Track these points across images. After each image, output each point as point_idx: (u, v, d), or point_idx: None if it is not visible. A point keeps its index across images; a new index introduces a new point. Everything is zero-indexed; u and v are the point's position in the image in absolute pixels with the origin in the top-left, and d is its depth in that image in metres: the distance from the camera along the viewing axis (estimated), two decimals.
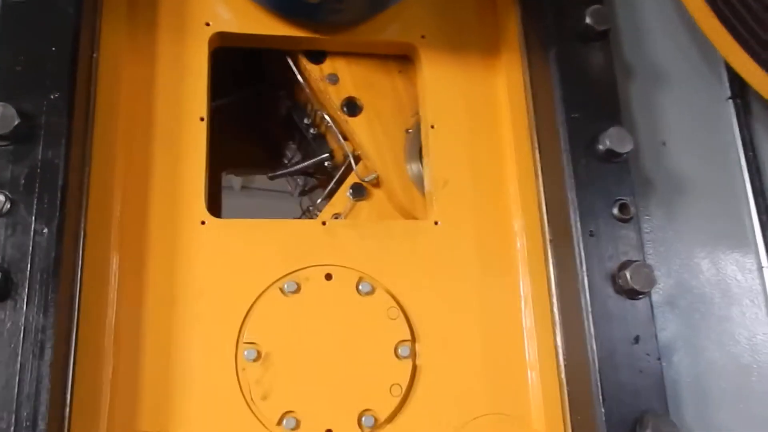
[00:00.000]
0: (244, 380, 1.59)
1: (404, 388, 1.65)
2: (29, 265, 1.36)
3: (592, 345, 1.54)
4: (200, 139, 1.73)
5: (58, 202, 1.40)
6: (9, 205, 1.38)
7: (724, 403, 1.73)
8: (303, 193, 2.39)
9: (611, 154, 1.67)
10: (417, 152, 1.94)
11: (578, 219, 1.62)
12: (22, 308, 1.34)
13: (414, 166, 1.95)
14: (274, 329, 1.63)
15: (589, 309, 1.56)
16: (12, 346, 1.32)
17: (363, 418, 1.61)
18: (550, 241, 1.73)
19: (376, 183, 1.95)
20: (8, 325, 1.33)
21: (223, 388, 1.59)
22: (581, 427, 1.59)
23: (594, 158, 1.68)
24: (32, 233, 1.37)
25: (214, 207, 2.12)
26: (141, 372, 1.56)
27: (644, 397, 1.53)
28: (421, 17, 1.98)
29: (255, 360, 1.60)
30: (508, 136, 1.92)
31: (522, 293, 1.79)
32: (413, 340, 1.70)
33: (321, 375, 1.62)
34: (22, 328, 1.33)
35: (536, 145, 1.82)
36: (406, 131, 1.97)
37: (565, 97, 1.71)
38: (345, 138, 1.98)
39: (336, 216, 1.91)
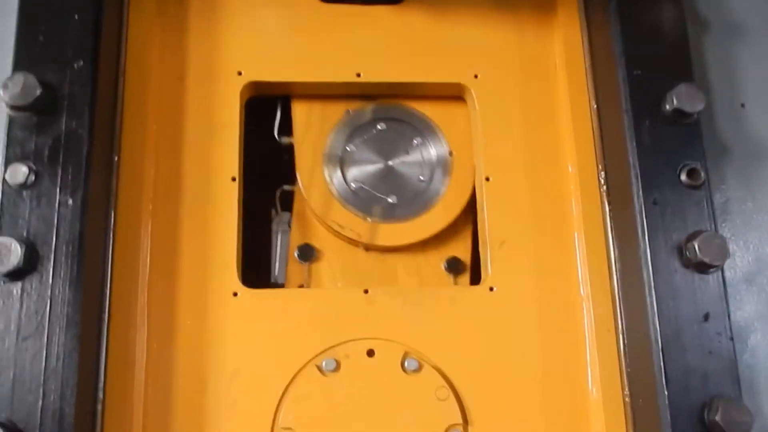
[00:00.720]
0: None
1: None
2: (54, 238, 1.33)
3: (655, 323, 1.39)
4: (233, 210, 1.61)
5: (83, 174, 1.36)
6: (33, 177, 1.35)
7: None
8: None
9: (680, 114, 1.50)
10: (342, 147, 1.78)
11: (640, 186, 1.47)
12: (48, 281, 1.31)
13: (335, 171, 1.77)
14: (312, 412, 1.50)
15: (652, 284, 1.41)
16: (38, 319, 1.30)
17: None
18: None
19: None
20: (34, 297, 1.30)
21: None
22: (644, 411, 1.45)
23: (660, 119, 1.52)
24: (57, 205, 1.34)
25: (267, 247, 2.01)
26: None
27: (714, 381, 1.37)
28: (473, 53, 1.78)
29: None
30: (575, 181, 1.69)
31: (588, 369, 1.58)
32: (465, 423, 1.53)
33: None
34: (49, 301, 1.30)
35: (595, 110, 1.67)
36: (346, 111, 1.80)
37: (626, 51, 1.55)
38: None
39: (301, 286, 1.74)
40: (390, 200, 1.75)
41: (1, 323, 1.28)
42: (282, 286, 1.80)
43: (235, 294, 1.56)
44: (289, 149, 1.79)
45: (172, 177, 1.61)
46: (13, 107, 1.35)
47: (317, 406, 1.51)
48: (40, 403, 1.26)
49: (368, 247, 1.73)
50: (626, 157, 1.50)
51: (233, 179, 1.62)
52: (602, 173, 1.63)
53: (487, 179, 1.70)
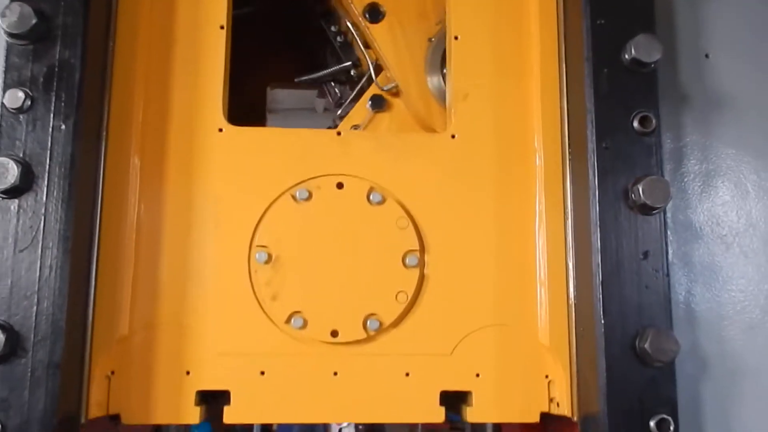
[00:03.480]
0: (256, 281, 1.66)
1: (410, 295, 1.68)
2: (48, 159, 1.44)
3: (598, 260, 1.52)
4: (219, 48, 1.75)
5: (75, 101, 1.46)
6: (29, 102, 1.45)
7: (743, 326, 1.69)
8: (338, 104, 2.39)
9: (637, 64, 1.59)
10: (439, 63, 1.90)
11: (594, 131, 1.57)
12: (42, 199, 1.43)
13: (435, 78, 1.91)
14: (285, 234, 1.69)
15: (597, 223, 1.53)
16: (33, 234, 1.43)
17: (368, 322, 1.67)
18: (570, 157, 1.69)
19: (396, 93, 1.93)
20: (30, 214, 1.43)
21: (236, 288, 1.66)
22: (584, 339, 1.59)
23: (618, 68, 1.61)
24: (51, 129, 1.45)
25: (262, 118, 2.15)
26: (160, 269, 1.65)
27: (647, 313, 1.51)
28: None
29: (266, 262, 1.66)
30: (536, 48, 1.82)
31: (537, 210, 1.75)
32: (422, 250, 1.72)
33: (329, 279, 1.68)
34: (43, 217, 1.43)
35: (563, 55, 1.76)
36: (429, 40, 1.93)
37: (591, 0, 1.63)
38: (367, 46, 1.95)
39: (355, 127, 1.91)
40: None
41: (0, 236, 1.42)
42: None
43: (221, 130, 1.72)
44: None
45: (164, 27, 1.74)
46: (10, 35, 1.45)
47: (289, 230, 1.69)
48: (35, 308, 1.40)
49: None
50: (584, 103, 1.60)
51: (221, 27, 1.75)
52: (565, 116, 1.73)
53: (456, 38, 1.82)
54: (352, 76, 2.13)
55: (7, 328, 1.38)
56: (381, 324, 1.67)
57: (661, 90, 1.63)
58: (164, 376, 1.61)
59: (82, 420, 1.50)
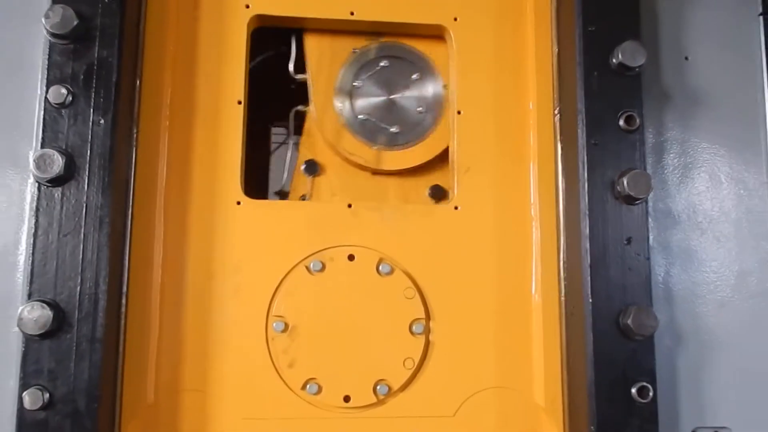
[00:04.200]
0: (273, 349, 1.79)
1: (416, 361, 1.82)
2: (89, 151, 1.57)
3: (587, 245, 1.69)
4: (237, 123, 1.85)
5: (113, 97, 1.59)
6: (71, 98, 1.58)
7: (715, 303, 1.87)
8: None
9: (624, 68, 1.75)
10: (350, 84, 2.01)
11: (584, 128, 1.73)
12: (84, 188, 1.57)
13: (344, 103, 2.02)
14: (300, 304, 1.81)
15: (587, 211, 1.70)
16: (76, 219, 1.56)
17: (378, 387, 1.80)
18: (561, 153, 1.84)
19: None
20: (72, 201, 1.56)
21: (255, 356, 1.78)
22: (573, 317, 1.76)
23: (606, 71, 1.76)
24: (91, 123, 1.58)
25: (266, 156, 2.25)
26: (183, 342, 1.77)
27: (630, 293, 1.68)
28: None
29: (283, 331, 1.79)
30: (534, 129, 1.95)
31: (534, 278, 1.89)
32: (427, 318, 1.85)
33: (341, 347, 1.81)
34: (84, 204, 1.56)
35: (556, 62, 1.90)
36: (353, 50, 2.04)
37: (584, 8, 1.78)
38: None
39: (302, 197, 2.02)
40: (393, 130, 2.01)
41: (46, 221, 1.55)
42: (287, 195, 2.09)
43: (239, 203, 1.83)
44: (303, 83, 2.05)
45: (185, 99, 1.85)
46: (53, 35, 1.57)
47: (304, 300, 1.82)
48: (78, 288, 1.54)
49: (375, 172, 2.00)
50: (575, 103, 1.76)
51: (239, 102, 1.87)
52: (557, 115, 1.89)
53: (459, 113, 1.96)
54: None
55: (54, 306, 1.51)
56: (390, 389, 1.81)
57: (645, 90, 1.79)
58: None
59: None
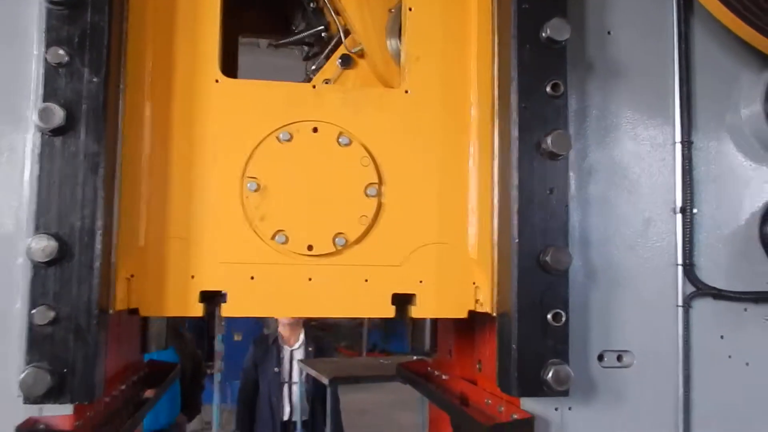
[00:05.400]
0: (247, 205, 2.07)
1: (370, 218, 2.13)
2: (84, 106, 1.80)
3: (515, 194, 1.99)
4: (215, 10, 2.11)
5: (104, 57, 1.82)
6: (68, 58, 1.80)
7: (624, 246, 2.20)
8: (307, 58, 2.76)
9: (551, 41, 2.03)
10: (397, 30, 2.29)
11: (517, 95, 2.01)
12: (81, 138, 1.80)
13: (393, 42, 2.30)
14: (270, 168, 2.09)
15: (516, 166, 1.99)
16: (75, 165, 1.80)
17: (336, 239, 2.10)
18: (497, 113, 2.13)
19: (362, 54, 2.32)
20: (71, 149, 1.80)
21: (232, 211, 2.07)
22: (502, 255, 2.07)
23: (537, 44, 2.04)
24: (85, 81, 1.81)
25: (233, 65, 2.50)
26: (169, 193, 2.04)
27: (550, 235, 1.99)
28: None
29: (256, 190, 2.07)
30: (475, 22, 2.24)
31: (471, 152, 2.21)
32: (380, 183, 2.15)
33: (306, 205, 2.10)
34: (82, 152, 1.80)
35: (495, 30, 2.17)
36: (390, 10, 2.31)
37: None
38: (337, 12, 2.32)
39: (326, 81, 2.30)
40: None
41: (49, 166, 1.78)
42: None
43: (217, 81, 2.10)
44: None
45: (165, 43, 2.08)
46: (50, 2, 1.78)
47: (274, 164, 2.10)
48: (78, 223, 1.79)
49: None
50: (509, 72, 2.04)
51: None
52: (495, 82, 2.16)
53: (410, 9, 2.22)
54: (322, 37, 2.50)
55: (58, 238, 1.76)
56: (347, 241, 2.11)
57: (571, 61, 2.08)
58: (174, 278, 2.02)
59: (111, 311, 1.91)
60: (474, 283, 2.17)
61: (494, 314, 2.08)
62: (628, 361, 2.17)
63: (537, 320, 1.97)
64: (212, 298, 2.09)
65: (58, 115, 1.76)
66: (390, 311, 2.13)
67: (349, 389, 8.11)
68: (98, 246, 1.79)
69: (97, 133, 1.81)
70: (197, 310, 2.03)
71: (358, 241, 2.13)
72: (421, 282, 2.15)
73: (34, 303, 1.75)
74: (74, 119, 1.80)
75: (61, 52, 1.79)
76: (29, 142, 1.89)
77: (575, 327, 2.08)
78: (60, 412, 1.83)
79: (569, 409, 2.10)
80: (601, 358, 2.15)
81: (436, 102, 2.22)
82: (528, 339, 1.96)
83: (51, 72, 1.80)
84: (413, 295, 2.16)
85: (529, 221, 1.99)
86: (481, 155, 2.19)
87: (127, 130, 1.97)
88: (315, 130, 2.13)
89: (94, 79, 1.81)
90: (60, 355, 1.75)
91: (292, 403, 7.60)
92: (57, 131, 1.78)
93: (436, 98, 2.22)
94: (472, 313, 2.18)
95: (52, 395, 1.73)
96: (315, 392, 7.54)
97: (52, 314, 1.74)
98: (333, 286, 2.11)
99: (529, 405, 2.06)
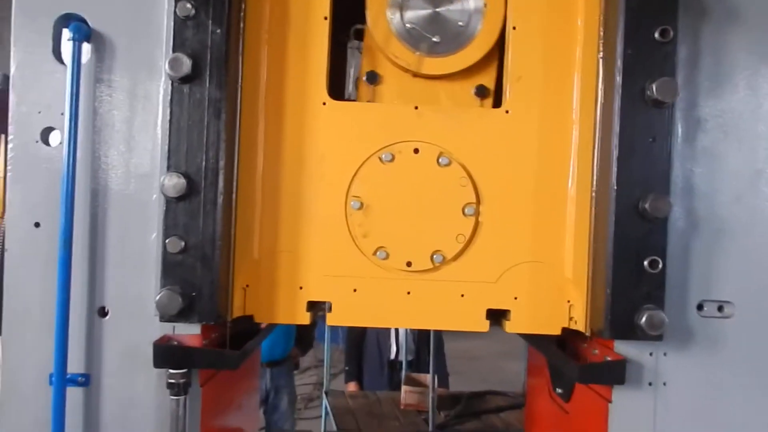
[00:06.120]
0: (351, 222, 2.19)
1: (467, 237, 2.20)
2: (209, 55, 1.97)
3: (616, 141, 2.00)
4: (323, 36, 2.18)
5: (226, 11, 1.97)
6: (194, 11, 1.96)
7: (731, 197, 2.16)
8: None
9: None
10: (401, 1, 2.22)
11: (623, 41, 1.99)
12: (206, 85, 1.98)
13: (396, 15, 2.24)
14: (373, 187, 2.20)
15: (618, 113, 1.99)
16: (200, 111, 1.98)
17: (434, 256, 2.20)
18: (602, 60, 2.11)
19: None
20: (197, 95, 1.98)
21: (336, 227, 2.19)
22: (598, 205, 2.09)
23: None
24: (209, 32, 1.97)
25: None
26: (280, 213, 2.19)
27: (651, 182, 2.00)
28: None
29: (359, 209, 2.19)
30: (580, 43, 2.19)
31: (571, 173, 2.20)
32: (478, 202, 2.21)
33: (406, 223, 2.20)
34: (206, 98, 1.98)
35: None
36: None
37: None
38: None
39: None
40: (434, 39, 2.29)
41: (178, 112, 1.98)
42: (354, 101, 2.43)
43: (324, 103, 2.21)
44: None
45: (281, 16, 2.20)
46: None
47: (377, 184, 2.22)
48: (203, 163, 1.99)
49: (415, 74, 2.31)
50: (617, 16, 2.01)
51: (325, 18, 2.20)
52: (601, 28, 2.14)
53: (514, 28, 2.23)
54: None
55: (186, 176, 1.96)
56: (444, 258, 2.20)
57: (684, 5, 2.02)
58: (284, 289, 2.19)
59: (229, 319, 2.09)
60: (569, 302, 2.21)
61: (588, 334, 2.13)
62: (729, 312, 2.15)
63: (632, 266, 1.99)
64: (316, 305, 2.26)
65: (186, 64, 1.94)
66: (485, 325, 2.24)
67: (461, 336, 8.27)
68: (221, 183, 1.98)
69: (220, 80, 1.98)
70: (305, 318, 2.21)
71: (455, 258, 2.22)
72: (516, 299, 2.23)
73: (167, 234, 1.97)
74: (200, 68, 1.97)
75: (189, 5, 1.96)
76: (161, 89, 2.08)
77: (674, 275, 2.08)
78: (190, 331, 2.08)
79: (664, 354, 2.12)
80: (700, 307, 2.15)
81: (536, 121, 2.23)
82: (622, 284, 1.99)
83: (179, 24, 1.97)
84: (507, 311, 2.24)
85: (628, 168, 2.00)
86: (581, 175, 2.18)
87: (245, 82, 2.12)
88: (416, 150, 2.22)
89: (218, 31, 1.97)
90: (189, 280, 1.97)
91: (398, 342, 7.87)
92: (185, 79, 1.96)
93: (537, 118, 2.23)
94: (565, 330, 2.23)
95: (183, 315, 1.97)
96: (421, 334, 7.77)
97: (182, 244, 1.96)
98: (430, 300, 2.23)
99: (623, 348, 2.11)
